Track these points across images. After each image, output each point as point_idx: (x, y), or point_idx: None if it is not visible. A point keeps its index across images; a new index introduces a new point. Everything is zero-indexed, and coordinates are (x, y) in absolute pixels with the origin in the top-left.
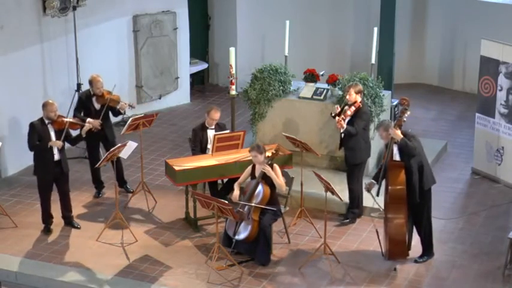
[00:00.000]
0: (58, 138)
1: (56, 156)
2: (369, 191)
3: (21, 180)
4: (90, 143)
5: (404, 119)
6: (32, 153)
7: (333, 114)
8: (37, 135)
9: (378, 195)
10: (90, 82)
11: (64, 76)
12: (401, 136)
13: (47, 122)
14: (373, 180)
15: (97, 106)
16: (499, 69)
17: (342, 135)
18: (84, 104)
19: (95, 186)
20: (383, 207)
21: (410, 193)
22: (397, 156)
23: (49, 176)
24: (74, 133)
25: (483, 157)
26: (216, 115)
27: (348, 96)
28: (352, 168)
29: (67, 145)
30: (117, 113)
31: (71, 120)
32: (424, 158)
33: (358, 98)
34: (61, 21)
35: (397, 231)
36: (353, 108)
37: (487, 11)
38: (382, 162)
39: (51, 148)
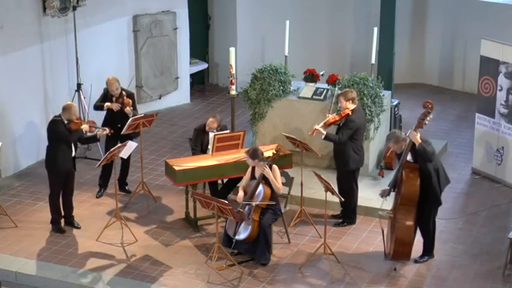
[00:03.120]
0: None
1: (73, 153)
2: (382, 196)
3: (21, 180)
4: (108, 140)
5: (426, 122)
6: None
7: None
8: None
9: (388, 194)
10: (106, 84)
11: (64, 76)
12: (420, 141)
13: (66, 122)
14: (387, 187)
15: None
16: (499, 69)
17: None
18: (106, 100)
19: (99, 183)
20: (391, 208)
21: (423, 195)
22: (409, 157)
23: (63, 172)
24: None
25: (483, 157)
26: (213, 125)
27: (339, 105)
28: (344, 176)
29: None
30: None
31: (87, 126)
32: (439, 160)
33: (351, 106)
34: (61, 21)
35: (406, 233)
36: (337, 117)
37: (487, 11)
38: (383, 162)
39: (70, 144)
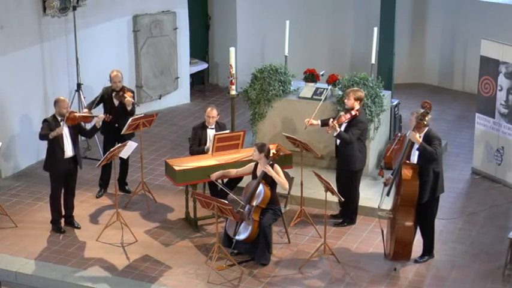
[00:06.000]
0: (71, 133)
1: (70, 153)
2: (386, 185)
3: (21, 180)
4: (106, 141)
5: (425, 122)
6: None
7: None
8: (49, 129)
9: (388, 195)
10: (110, 77)
11: (64, 76)
12: (420, 141)
13: (59, 119)
14: (391, 176)
15: (116, 102)
16: (499, 69)
17: (338, 142)
18: (104, 99)
19: (100, 184)
20: (390, 208)
21: (422, 196)
22: (415, 156)
23: (60, 172)
24: (88, 126)
25: (483, 157)
26: (212, 112)
27: (346, 100)
28: (348, 176)
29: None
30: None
31: (82, 114)
32: (441, 165)
33: (356, 106)
34: (61, 21)
35: (405, 233)
36: (348, 116)
37: (487, 11)
38: (383, 162)
39: (62, 144)
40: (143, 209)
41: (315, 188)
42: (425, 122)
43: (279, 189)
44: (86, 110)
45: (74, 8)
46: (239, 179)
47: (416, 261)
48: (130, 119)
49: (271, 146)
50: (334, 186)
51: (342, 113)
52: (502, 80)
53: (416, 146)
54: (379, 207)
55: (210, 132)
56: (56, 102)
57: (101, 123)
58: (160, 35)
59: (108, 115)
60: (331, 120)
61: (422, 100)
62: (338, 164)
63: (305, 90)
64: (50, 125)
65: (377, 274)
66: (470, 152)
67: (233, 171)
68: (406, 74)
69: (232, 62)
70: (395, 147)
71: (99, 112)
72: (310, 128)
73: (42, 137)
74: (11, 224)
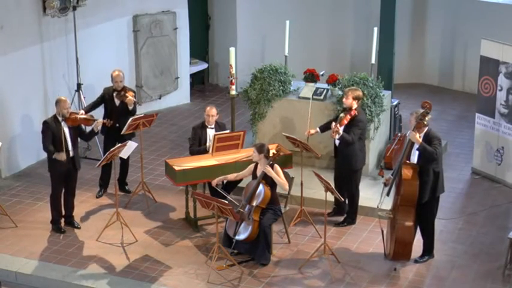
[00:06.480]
0: (71, 134)
1: (70, 153)
2: (386, 185)
3: (21, 180)
4: (107, 141)
5: (425, 122)
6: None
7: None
8: (51, 133)
9: (388, 195)
10: (111, 77)
11: (64, 76)
12: (420, 141)
13: (60, 119)
14: (391, 176)
15: (117, 102)
16: (499, 69)
17: (337, 142)
18: (105, 99)
19: (100, 184)
20: (390, 208)
21: (422, 196)
22: (415, 156)
23: (61, 172)
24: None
25: (483, 157)
26: (211, 111)
27: (344, 99)
28: (348, 176)
29: None
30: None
31: (84, 116)
32: (441, 165)
33: (355, 105)
34: (61, 21)
35: (405, 233)
36: (348, 117)
37: (487, 11)
38: (383, 162)
39: (65, 143)
40: (143, 209)
41: (315, 188)
42: (425, 122)
43: (279, 189)
44: (82, 111)
45: (74, 8)
46: (239, 180)
47: (416, 261)
48: (130, 119)
49: (271, 146)
50: (333, 186)
51: (342, 115)
52: (502, 80)
53: (416, 146)
54: (379, 207)
55: (210, 132)
56: (58, 102)
57: (99, 127)
58: (160, 35)
59: (108, 120)
60: (334, 124)
61: (422, 100)
62: (337, 163)
63: (305, 90)
64: (50, 126)
65: (377, 274)
66: (470, 152)
67: (233, 176)
68: (406, 74)
69: (232, 62)
70: (395, 147)
71: (100, 113)
72: (311, 137)
73: (47, 151)
74: (11, 224)
